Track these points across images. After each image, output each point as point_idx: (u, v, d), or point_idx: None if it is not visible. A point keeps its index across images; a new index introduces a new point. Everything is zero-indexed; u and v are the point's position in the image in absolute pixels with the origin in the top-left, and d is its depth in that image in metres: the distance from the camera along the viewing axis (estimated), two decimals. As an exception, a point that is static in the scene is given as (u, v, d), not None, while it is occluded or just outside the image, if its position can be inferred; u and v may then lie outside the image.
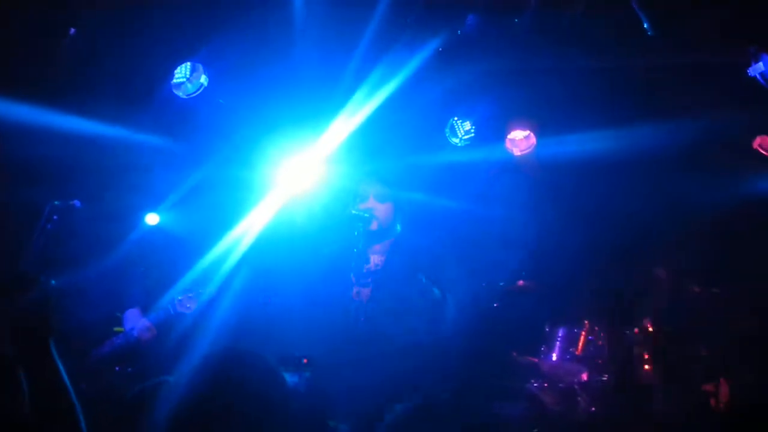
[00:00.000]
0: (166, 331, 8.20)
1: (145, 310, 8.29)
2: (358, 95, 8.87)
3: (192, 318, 8.22)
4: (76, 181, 8.27)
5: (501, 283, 10.16)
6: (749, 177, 9.73)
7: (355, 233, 7.82)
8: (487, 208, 10.12)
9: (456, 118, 10.22)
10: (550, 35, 8.73)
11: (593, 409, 9.11)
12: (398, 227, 8.03)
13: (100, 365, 8.04)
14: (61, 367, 3.06)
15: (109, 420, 3.56)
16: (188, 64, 8.87)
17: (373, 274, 7.87)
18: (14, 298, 3.06)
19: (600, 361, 9.38)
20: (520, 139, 10.32)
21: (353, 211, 7.85)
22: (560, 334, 9.60)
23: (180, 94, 8.85)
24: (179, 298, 8.14)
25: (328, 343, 7.69)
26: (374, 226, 7.87)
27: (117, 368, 8.10)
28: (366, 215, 7.78)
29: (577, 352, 9.52)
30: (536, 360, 9.62)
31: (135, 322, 8.19)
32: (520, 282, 10.11)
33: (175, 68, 8.82)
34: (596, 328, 9.55)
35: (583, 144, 9.51)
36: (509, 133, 10.28)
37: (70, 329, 7.52)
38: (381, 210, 7.91)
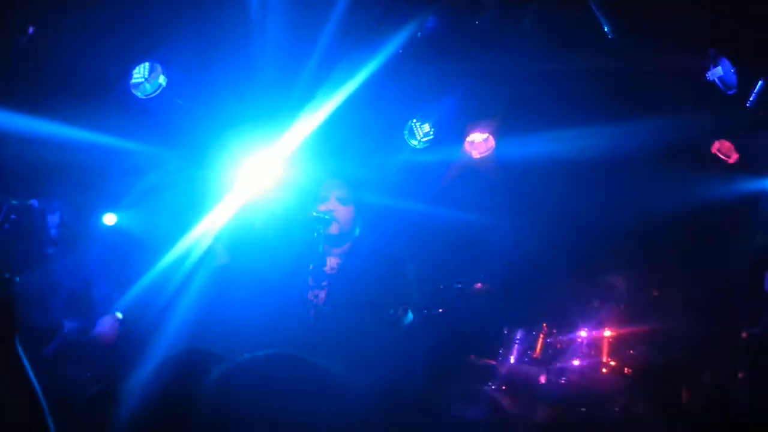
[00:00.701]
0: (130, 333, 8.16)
1: (101, 311, 8.23)
2: (318, 95, 8.87)
3: (149, 320, 8.17)
4: (32, 181, 8.20)
5: (458, 285, 10.17)
6: (708, 180, 9.82)
7: (315, 235, 7.79)
8: (445, 211, 10.13)
9: (415, 120, 10.23)
10: (510, 37, 8.75)
11: (552, 411, 9.14)
12: (357, 231, 7.98)
13: (52, 363, 7.97)
14: (27, 366, 3.03)
15: (65, 422, 3.52)
16: (147, 64, 8.80)
17: (329, 277, 7.83)
18: None
19: (558, 364, 9.41)
20: (479, 142, 10.35)
21: (314, 213, 7.82)
22: (518, 337, 9.62)
23: (138, 94, 8.78)
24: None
25: (281, 346, 7.64)
26: (335, 229, 7.83)
27: (73, 372, 8.03)
28: (326, 217, 7.75)
29: (535, 355, 9.55)
30: (494, 362, 9.64)
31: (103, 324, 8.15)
32: (478, 285, 10.12)
33: (134, 68, 8.75)
34: (554, 331, 9.58)
35: (542, 146, 9.54)
36: (468, 135, 10.30)
37: (24, 330, 7.45)
38: (342, 212, 7.87)
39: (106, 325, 8.14)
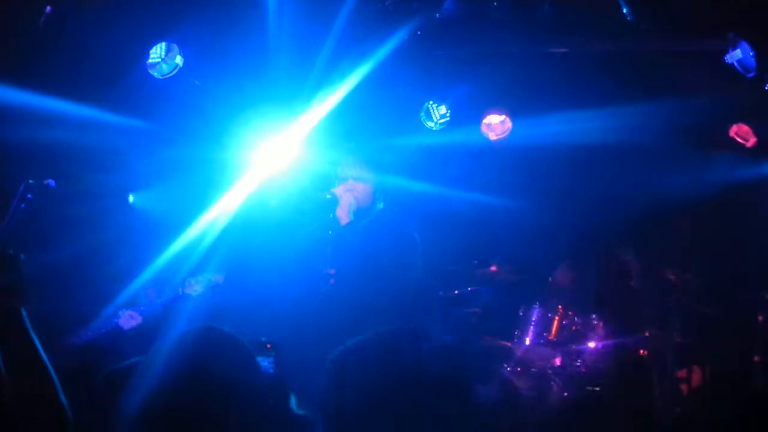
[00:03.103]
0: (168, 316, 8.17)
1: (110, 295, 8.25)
2: (334, 77, 8.85)
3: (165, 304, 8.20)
4: (50, 162, 8.21)
5: (474, 266, 10.19)
6: (726, 164, 9.78)
7: (330, 216, 7.84)
8: (461, 193, 10.11)
9: (431, 102, 10.21)
10: (528, 19, 8.72)
11: (566, 393, 9.14)
12: (380, 205, 8.04)
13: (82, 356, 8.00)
14: (36, 341, 3.05)
15: (80, 402, 3.54)
16: (163, 44, 8.79)
17: (346, 254, 7.88)
18: None
19: (573, 346, 9.40)
20: (495, 124, 10.32)
21: (327, 195, 7.86)
22: (534, 319, 9.61)
23: (155, 74, 8.78)
24: (190, 280, 8.12)
25: (300, 326, 7.69)
26: (354, 206, 7.90)
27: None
28: (330, 197, 7.83)
29: (550, 337, 9.54)
30: (509, 344, 9.64)
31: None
32: (493, 267, 10.13)
33: (150, 48, 8.75)
34: (570, 313, 9.57)
35: (559, 128, 9.51)
36: (485, 117, 10.28)
37: (45, 312, 7.49)
38: (360, 190, 7.93)
39: (127, 315, 8.14)
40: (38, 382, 3.03)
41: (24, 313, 3.09)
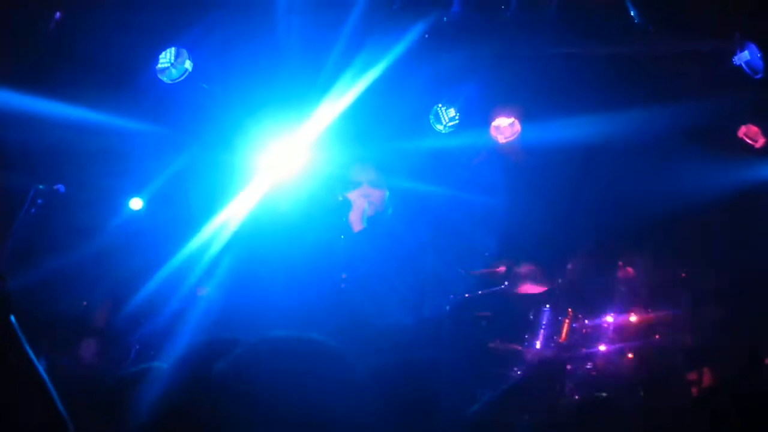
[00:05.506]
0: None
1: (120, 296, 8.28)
2: (343, 80, 8.86)
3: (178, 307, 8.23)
4: (60, 167, 8.24)
5: (480, 268, 10.18)
6: (735, 165, 9.76)
7: (343, 220, 7.85)
8: (469, 195, 10.11)
9: (440, 105, 10.20)
10: (536, 22, 8.72)
11: (576, 397, 9.12)
12: (389, 210, 8.05)
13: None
14: (27, 347, 3.02)
15: (91, 405, 3.55)
16: (173, 49, 8.82)
17: (359, 258, 7.88)
18: None
19: (584, 350, 9.39)
20: (504, 126, 10.31)
21: (339, 198, 7.86)
22: (544, 322, 9.60)
23: (164, 79, 8.80)
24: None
25: (311, 326, 7.69)
26: (370, 211, 7.90)
27: None
28: (342, 200, 7.83)
29: (561, 340, 9.52)
30: (520, 348, 9.63)
31: None
32: (501, 268, 10.11)
33: (160, 53, 8.77)
34: (580, 316, 9.56)
35: (567, 131, 9.51)
36: (494, 120, 10.28)
37: (53, 314, 7.53)
38: (375, 196, 7.93)
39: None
40: (31, 389, 3.01)
41: (14, 322, 3.06)
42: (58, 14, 7.98)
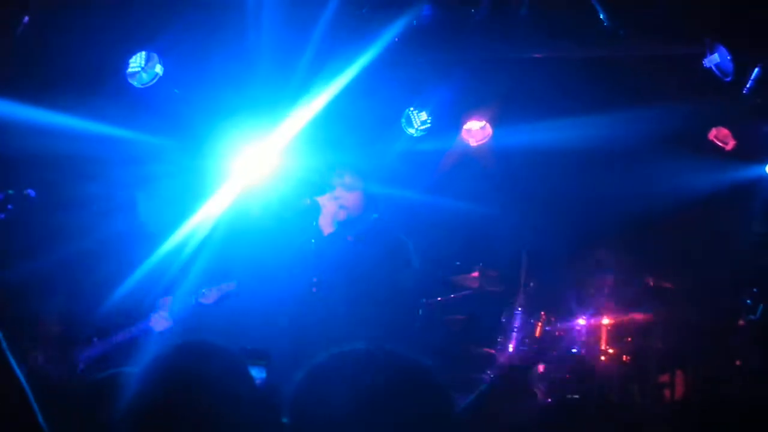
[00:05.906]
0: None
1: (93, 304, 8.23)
2: (315, 85, 8.85)
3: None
4: (30, 172, 8.19)
5: (455, 270, 10.19)
6: (705, 168, 9.80)
7: (313, 224, 7.84)
8: (442, 199, 10.12)
9: (412, 109, 10.20)
10: (506, 25, 8.74)
11: (549, 399, 9.14)
12: (374, 215, 8.07)
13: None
14: (11, 358, 3.00)
15: (63, 409, 3.52)
16: (143, 53, 8.78)
17: (335, 261, 7.89)
18: None
19: (555, 353, 9.42)
20: (476, 130, 10.33)
21: (307, 201, 7.87)
22: (517, 325, 9.62)
23: (135, 83, 8.76)
24: (203, 290, 8.12)
25: (286, 334, 7.69)
26: (342, 215, 7.90)
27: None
28: (309, 204, 7.84)
29: (533, 343, 9.54)
30: (493, 351, 9.64)
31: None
32: (475, 273, 10.13)
33: (130, 57, 8.73)
34: (552, 319, 9.58)
35: (539, 135, 9.53)
36: (465, 123, 10.29)
37: (28, 319, 7.50)
38: (349, 199, 7.93)
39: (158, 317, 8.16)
40: (14, 401, 2.98)
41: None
42: (26, 17, 7.92)
